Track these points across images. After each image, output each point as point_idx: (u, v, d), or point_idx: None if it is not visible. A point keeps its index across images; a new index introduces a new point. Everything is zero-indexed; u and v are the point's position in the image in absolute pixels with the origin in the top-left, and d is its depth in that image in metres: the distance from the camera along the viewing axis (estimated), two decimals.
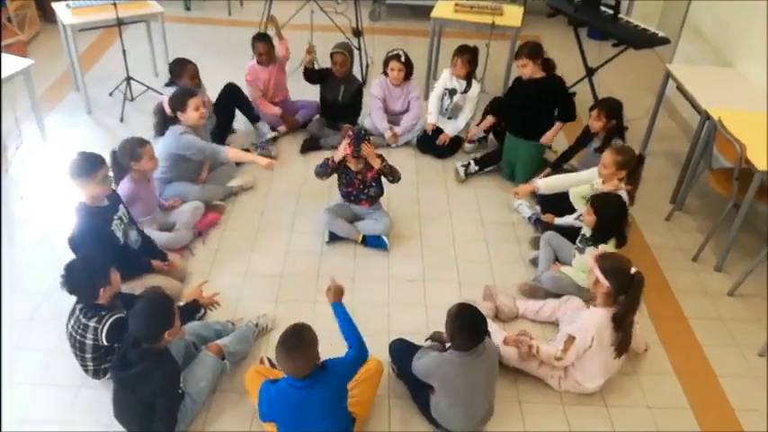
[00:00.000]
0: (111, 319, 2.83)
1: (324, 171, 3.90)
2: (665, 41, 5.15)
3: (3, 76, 4.34)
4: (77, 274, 2.79)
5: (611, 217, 3.37)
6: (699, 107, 4.29)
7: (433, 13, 5.54)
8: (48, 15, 6.29)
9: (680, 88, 4.59)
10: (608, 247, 3.41)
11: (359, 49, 5.85)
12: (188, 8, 7.30)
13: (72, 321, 2.91)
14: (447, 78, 4.91)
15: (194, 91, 4.10)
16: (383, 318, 3.53)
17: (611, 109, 4.12)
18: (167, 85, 4.57)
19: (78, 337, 2.88)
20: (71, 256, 3.74)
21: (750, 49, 4.65)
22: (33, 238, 3.95)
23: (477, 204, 4.48)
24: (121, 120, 5.16)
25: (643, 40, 5.13)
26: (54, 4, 5.27)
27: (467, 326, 2.66)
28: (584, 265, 3.46)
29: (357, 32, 5.88)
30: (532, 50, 4.35)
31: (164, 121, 4.05)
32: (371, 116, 5.02)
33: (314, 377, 2.53)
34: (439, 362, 2.74)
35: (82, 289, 2.82)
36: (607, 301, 2.98)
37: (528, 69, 4.37)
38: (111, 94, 5.47)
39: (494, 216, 4.37)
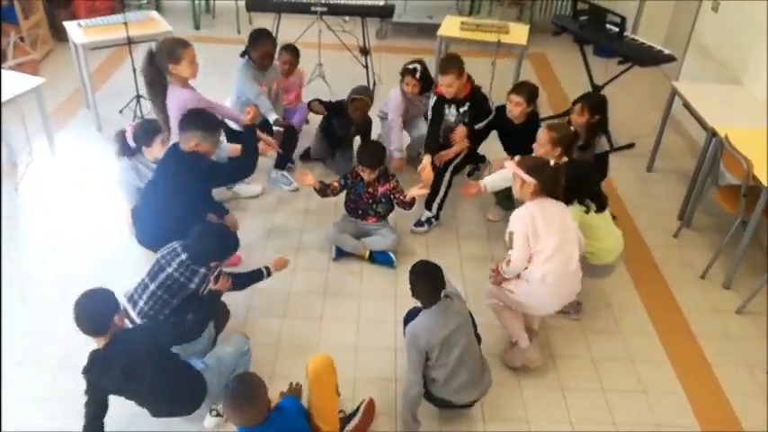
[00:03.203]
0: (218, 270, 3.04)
1: (324, 196, 4.03)
2: (670, 59, 5.17)
3: (15, 95, 4.41)
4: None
5: (578, 180, 3.29)
6: (705, 124, 4.30)
7: (440, 32, 5.59)
8: (60, 34, 6.37)
9: (686, 105, 4.60)
10: (576, 210, 3.34)
11: (366, 67, 5.90)
12: (197, 27, 7.38)
13: (175, 265, 2.95)
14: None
15: (160, 128, 3.77)
16: (390, 335, 3.53)
17: (595, 104, 4.03)
18: (242, 55, 4.40)
19: (183, 279, 2.94)
20: (80, 271, 3.80)
21: (756, 67, 4.66)
22: (42, 252, 3.98)
23: (484, 221, 4.49)
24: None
25: (649, 57, 5.15)
26: (66, 23, 5.35)
27: (423, 276, 2.84)
28: None
29: (364, 51, 5.93)
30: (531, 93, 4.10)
31: (125, 148, 3.74)
32: (390, 134, 4.66)
33: (268, 422, 2.39)
34: (417, 326, 2.81)
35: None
36: (537, 198, 3.10)
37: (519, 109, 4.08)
38: (121, 112, 5.53)
39: (501, 232, 4.35)
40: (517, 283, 3.17)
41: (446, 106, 4.25)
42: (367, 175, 3.89)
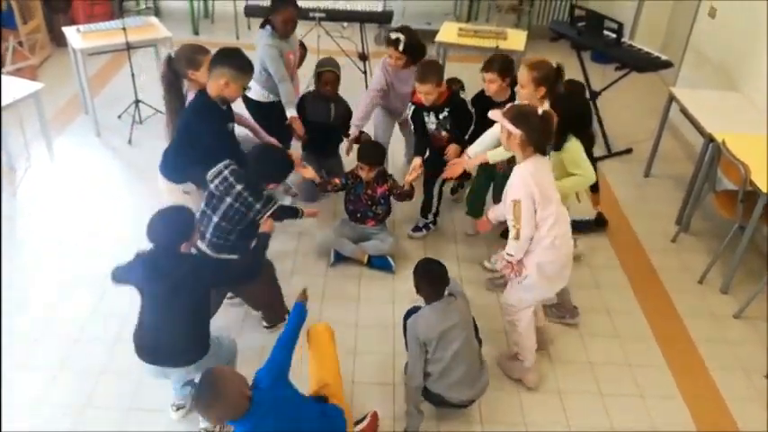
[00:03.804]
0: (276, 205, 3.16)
1: (324, 191, 4.07)
2: (668, 65, 5.19)
3: (13, 100, 4.42)
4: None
5: (574, 112, 3.09)
6: (702, 130, 4.31)
7: (438, 38, 5.61)
8: (59, 39, 6.39)
9: (683, 111, 4.61)
10: (572, 145, 3.21)
11: (364, 72, 5.92)
12: (196, 32, 7.40)
13: (234, 195, 3.06)
14: None
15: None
16: (388, 339, 3.53)
17: (572, 86, 3.87)
18: (263, 26, 4.25)
19: (243, 209, 3.07)
20: (79, 275, 3.80)
21: (753, 72, 4.68)
22: (41, 256, 3.98)
23: None
24: (129, 142, 5.21)
25: (646, 63, 5.17)
26: (65, 29, 5.36)
27: (427, 274, 2.89)
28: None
29: (363, 56, 5.95)
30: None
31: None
32: (360, 103, 4.39)
33: (250, 412, 2.28)
34: (417, 318, 2.86)
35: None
36: (526, 151, 2.84)
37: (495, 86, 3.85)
38: (119, 117, 5.53)
39: (498, 237, 4.37)
40: (527, 261, 2.97)
41: (425, 114, 4.06)
42: (365, 173, 3.90)
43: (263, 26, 4.24)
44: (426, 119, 4.08)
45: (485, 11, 7.67)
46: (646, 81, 6.12)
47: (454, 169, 3.66)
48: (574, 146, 3.20)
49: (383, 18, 6.26)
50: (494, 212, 3.28)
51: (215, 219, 3.11)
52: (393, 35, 4.09)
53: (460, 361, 2.83)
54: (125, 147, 5.19)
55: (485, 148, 3.56)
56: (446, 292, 2.89)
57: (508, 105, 3.12)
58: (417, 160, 4.01)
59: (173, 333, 2.73)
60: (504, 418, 3.13)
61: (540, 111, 2.83)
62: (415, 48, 4.14)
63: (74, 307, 3.62)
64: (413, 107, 4.13)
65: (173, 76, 3.58)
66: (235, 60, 3.26)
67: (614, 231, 4.48)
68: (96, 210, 4.42)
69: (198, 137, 3.27)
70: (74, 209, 4.41)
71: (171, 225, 2.72)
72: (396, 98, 4.44)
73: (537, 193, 2.81)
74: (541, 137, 2.83)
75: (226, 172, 3.11)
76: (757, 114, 4.48)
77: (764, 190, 3.59)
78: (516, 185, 2.84)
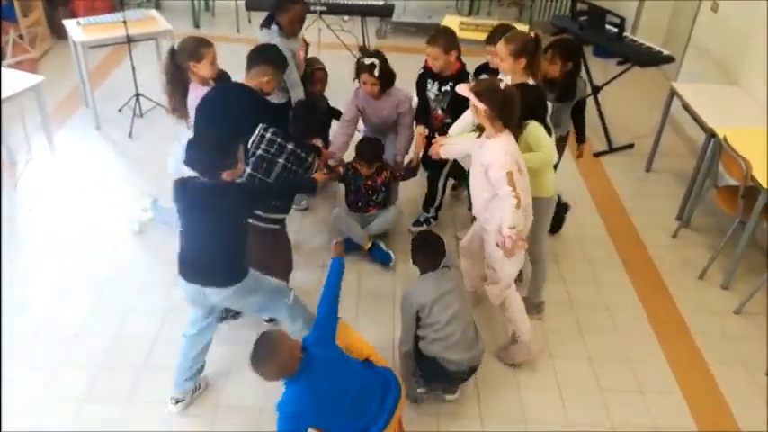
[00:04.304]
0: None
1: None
2: (669, 60, 5.18)
3: (14, 93, 4.42)
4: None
5: (526, 102, 3.00)
6: (704, 125, 4.30)
7: None
8: (59, 32, 6.37)
9: (685, 106, 4.60)
10: (532, 126, 3.13)
11: None
12: (197, 25, 7.38)
13: (285, 156, 3.10)
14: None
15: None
16: (387, 333, 3.53)
17: (566, 49, 3.69)
18: (266, 25, 4.03)
19: (294, 167, 3.14)
20: (79, 271, 3.80)
21: (754, 67, 4.66)
22: (41, 252, 3.98)
23: None
24: (130, 135, 5.20)
25: (648, 58, 5.16)
26: (65, 22, 5.34)
27: (424, 244, 3.04)
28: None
29: (364, 50, 5.93)
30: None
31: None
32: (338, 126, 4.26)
33: (304, 364, 2.44)
34: (413, 288, 2.97)
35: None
36: (495, 125, 2.88)
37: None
38: (120, 111, 5.53)
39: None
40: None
41: (429, 81, 3.92)
42: (365, 170, 3.92)
43: (267, 25, 4.03)
44: (429, 86, 3.95)
45: (486, 5, 7.65)
46: (647, 76, 6.10)
47: (433, 148, 3.48)
48: (533, 126, 3.15)
49: (384, 11, 6.24)
50: (446, 151, 3.39)
51: (269, 182, 3.14)
52: (367, 60, 3.87)
53: (457, 323, 2.90)
54: (125, 140, 5.18)
55: (465, 128, 3.50)
56: (441, 265, 2.98)
57: (477, 80, 3.16)
58: (420, 128, 3.95)
59: (209, 255, 2.74)
60: (504, 414, 3.14)
61: (502, 85, 2.90)
62: (387, 74, 3.93)
63: (73, 307, 3.61)
64: (422, 70, 4.01)
65: (174, 68, 3.57)
66: (275, 57, 3.35)
67: (615, 226, 4.48)
68: (96, 203, 4.41)
69: (241, 116, 3.23)
70: (74, 202, 4.41)
71: (207, 149, 2.64)
72: (371, 126, 4.24)
73: (522, 163, 2.91)
74: (504, 110, 2.86)
75: (268, 135, 3.13)
76: (758, 109, 4.47)
77: (765, 185, 3.59)
78: (500, 158, 2.86)
